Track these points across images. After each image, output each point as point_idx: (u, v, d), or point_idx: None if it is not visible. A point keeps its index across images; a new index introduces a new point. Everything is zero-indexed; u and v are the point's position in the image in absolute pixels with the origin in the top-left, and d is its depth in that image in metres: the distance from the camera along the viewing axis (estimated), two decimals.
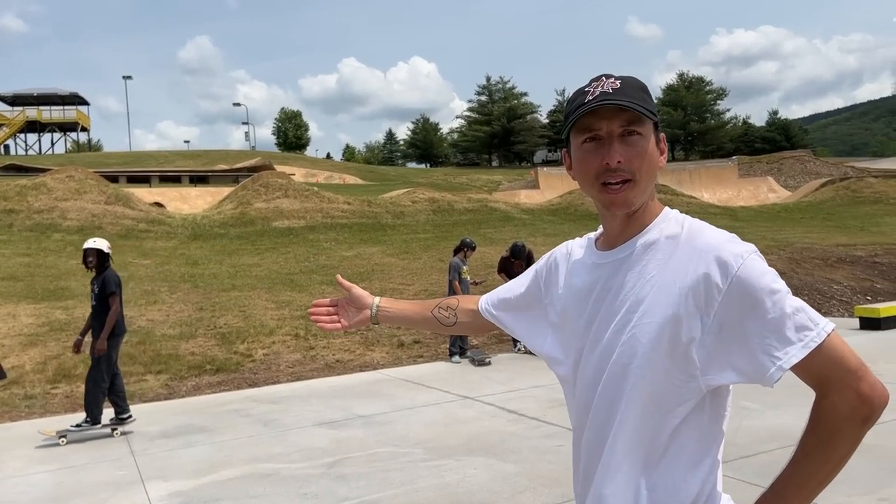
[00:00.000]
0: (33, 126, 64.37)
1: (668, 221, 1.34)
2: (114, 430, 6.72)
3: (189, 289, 13.56)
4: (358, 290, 1.80)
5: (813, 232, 20.65)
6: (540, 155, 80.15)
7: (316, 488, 5.02)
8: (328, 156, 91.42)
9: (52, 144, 68.26)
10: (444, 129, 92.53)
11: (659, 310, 1.24)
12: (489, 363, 9.38)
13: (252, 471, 5.48)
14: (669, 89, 79.06)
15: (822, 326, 1.18)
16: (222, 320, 11.31)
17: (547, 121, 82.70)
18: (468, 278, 9.99)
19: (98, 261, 6.78)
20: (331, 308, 1.82)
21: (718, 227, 1.32)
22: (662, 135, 1.37)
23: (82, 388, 7.08)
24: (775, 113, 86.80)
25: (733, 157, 45.77)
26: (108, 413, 6.85)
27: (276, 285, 14.06)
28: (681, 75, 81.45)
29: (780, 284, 1.20)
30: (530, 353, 8.78)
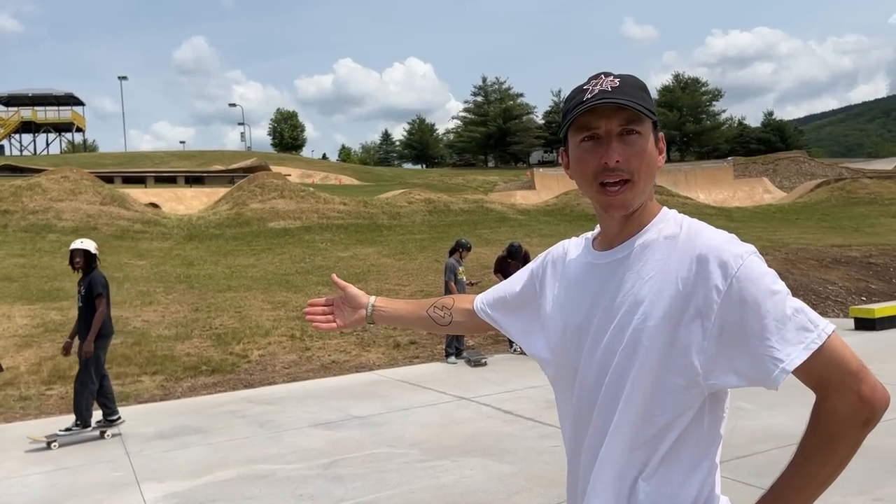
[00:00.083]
0: (28, 126, 64.24)
1: (667, 221, 1.32)
2: (103, 432, 6.68)
3: (185, 289, 13.53)
4: (353, 289, 1.79)
5: (808, 233, 20.71)
6: (536, 156, 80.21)
7: (312, 489, 5.01)
8: (324, 156, 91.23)
9: (48, 145, 68.18)
10: (440, 129, 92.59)
11: (658, 311, 1.23)
12: (485, 364, 9.38)
13: (248, 472, 5.47)
14: (665, 90, 79.14)
15: (822, 328, 1.17)
16: (218, 321, 11.29)
17: (543, 122, 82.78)
18: (464, 279, 9.98)
19: (85, 262, 6.71)
20: (326, 308, 1.80)
21: (715, 227, 1.31)
22: (661, 134, 1.35)
23: None
24: (770, 114, 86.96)
25: (729, 158, 45.96)
26: (96, 415, 6.82)
27: (272, 286, 14.03)
28: (676, 76, 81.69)
29: (781, 285, 1.19)
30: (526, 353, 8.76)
